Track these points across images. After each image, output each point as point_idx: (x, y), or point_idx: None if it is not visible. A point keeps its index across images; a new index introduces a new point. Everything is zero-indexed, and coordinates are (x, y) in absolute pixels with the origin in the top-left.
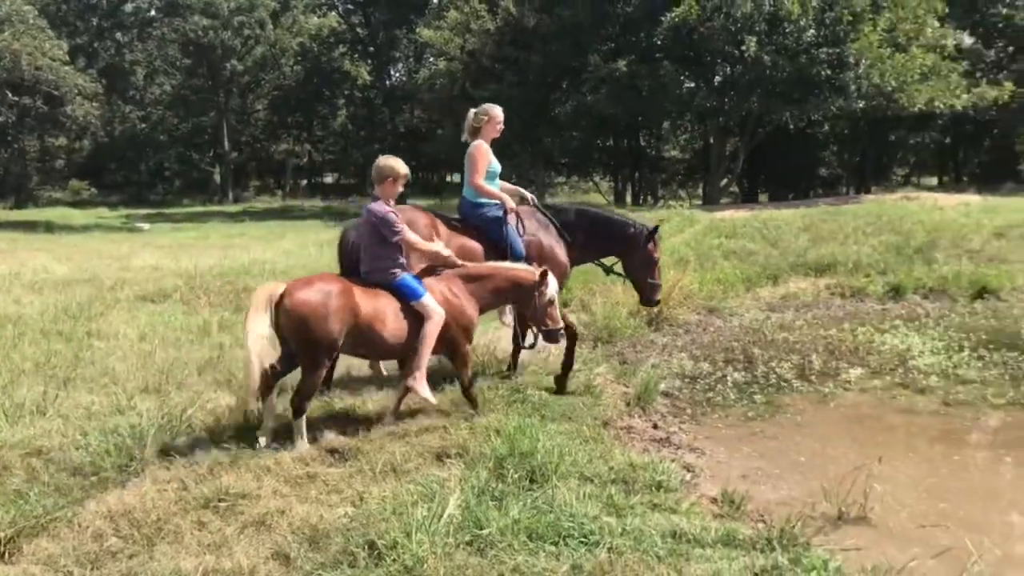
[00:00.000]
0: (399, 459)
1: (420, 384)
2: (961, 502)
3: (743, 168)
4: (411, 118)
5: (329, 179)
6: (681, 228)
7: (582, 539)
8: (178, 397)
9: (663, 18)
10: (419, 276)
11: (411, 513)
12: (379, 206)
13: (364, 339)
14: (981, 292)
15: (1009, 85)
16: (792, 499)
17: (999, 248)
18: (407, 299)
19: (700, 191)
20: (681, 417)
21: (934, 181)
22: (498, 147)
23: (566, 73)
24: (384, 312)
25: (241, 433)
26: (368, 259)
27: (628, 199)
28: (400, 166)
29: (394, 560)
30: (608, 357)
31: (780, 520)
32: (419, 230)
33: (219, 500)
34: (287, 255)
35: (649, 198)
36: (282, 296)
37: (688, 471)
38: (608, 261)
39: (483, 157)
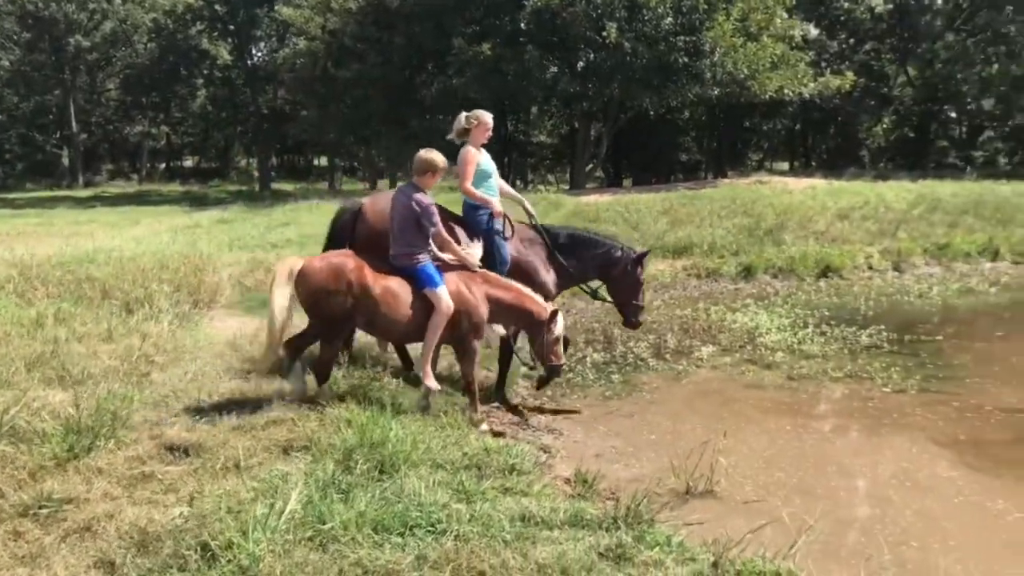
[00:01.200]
0: (242, 454)
1: (425, 373)
2: (799, 470)
3: (608, 153)
4: (274, 99)
5: (189, 162)
6: (547, 213)
7: (430, 528)
8: (1, 396)
9: (526, 2)
10: (441, 268)
11: (249, 511)
12: (424, 197)
13: (372, 317)
14: (825, 271)
15: (850, 75)
16: (643, 476)
17: (842, 229)
18: (422, 286)
19: (568, 176)
20: (540, 399)
21: (786, 166)
22: (363, 128)
23: (431, 55)
24: (395, 294)
25: (74, 431)
26: (398, 243)
27: None
28: (439, 160)
29: (229, 561)
30: None
31: (629, 498)
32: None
33: (40, 507)
34: (138, 242)
35: (519, 182)
36: (300, 271)
37: (545, 452)
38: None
39: (471, 162)
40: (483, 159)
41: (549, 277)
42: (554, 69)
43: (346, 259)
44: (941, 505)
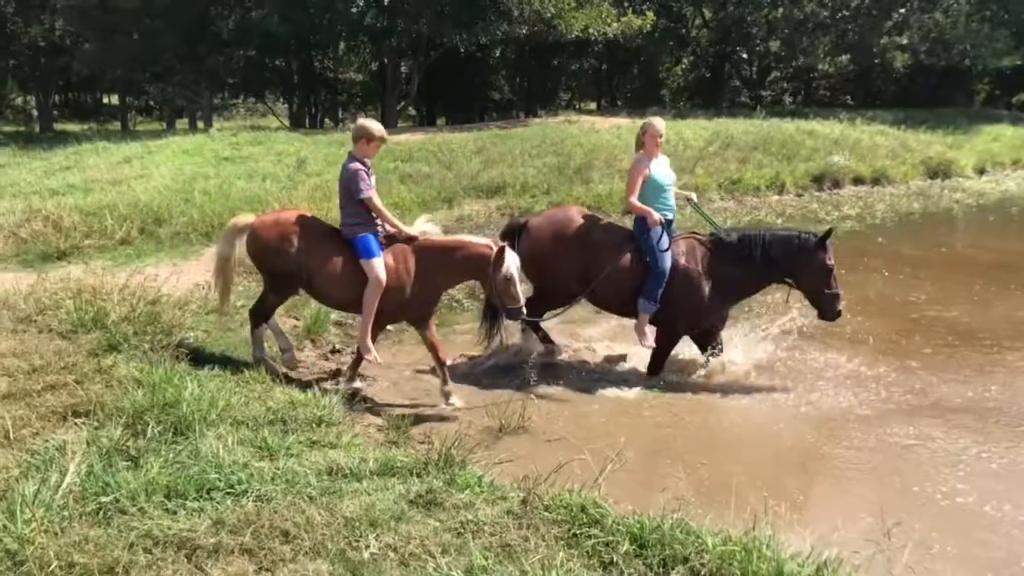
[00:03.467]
0: (11, 425)
1: (364, 346)
2: (604, 408)
3: (420, 91)
4: (51, 30)
5: None
6: None
7: (228, 490)
8: None
9: None
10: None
11: (17, 488)
12: (353, 164)
13: (311, 279)
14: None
15: (651, 15)
16: (458, 418)
17: None
18: (358, 256)
19: (379, 115)
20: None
21: (593, 105)
22: (154, 64)
23: None
24: (333, 261)
25: None
26: (342, 213)
27: (307, 123)
28: (372, 126)
29: None
30: None
31: (440, 441)
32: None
33: None
34: None
35: (328, 121)
36: (251, 228)
37: (358, 400)
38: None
39: (636, 173)
40: (656, 170)
41: (704, 287)
42: (360, 3)
43: (293, 219)
44: (724, 424)
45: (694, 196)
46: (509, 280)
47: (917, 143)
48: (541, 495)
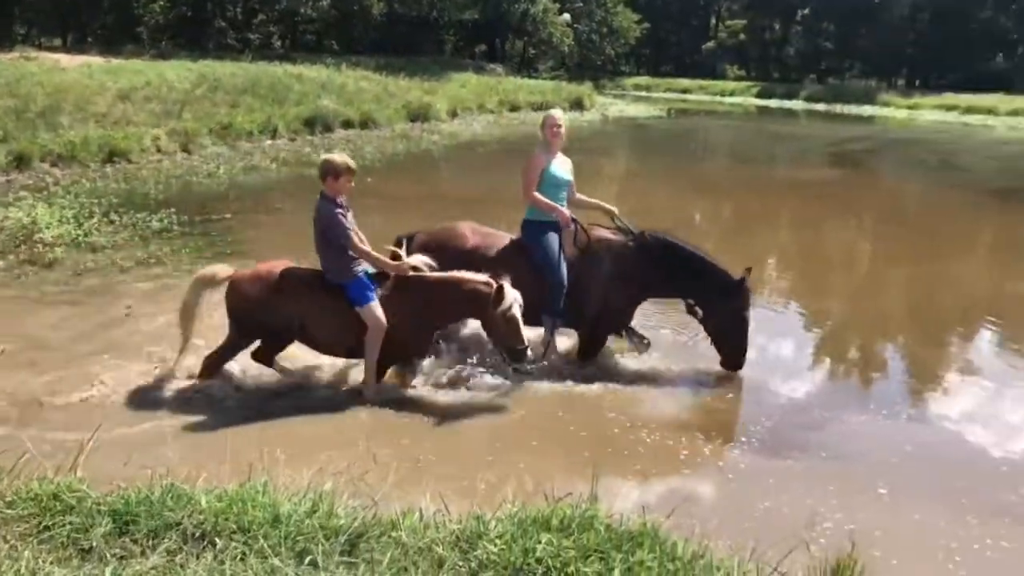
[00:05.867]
0: None
1: (370, 386)
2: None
3: None
4: None
5: None
6: None
7: None
8: None
9: None
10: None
11: None
12: (324, 205)
13: (302, 334)
14: (111, 156)
15: None
16: None
17: (124, 110)
18: (352, 304)
19: None
20: None
21: (58, 42)
22: None
23: None
24: (321, 312)
25: None
26: (322, 261)
27: None
28: (338, 160)
29: None
30: None
31: None
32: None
33: None
34: None
35: None
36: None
37: None
38: None
39: (534, 166)
40: (553, 165)
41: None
42: None
43: (273, 275)
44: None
45: (615, 209)
46: (510, 319)
47: (398, 89)
48: (1, 491)
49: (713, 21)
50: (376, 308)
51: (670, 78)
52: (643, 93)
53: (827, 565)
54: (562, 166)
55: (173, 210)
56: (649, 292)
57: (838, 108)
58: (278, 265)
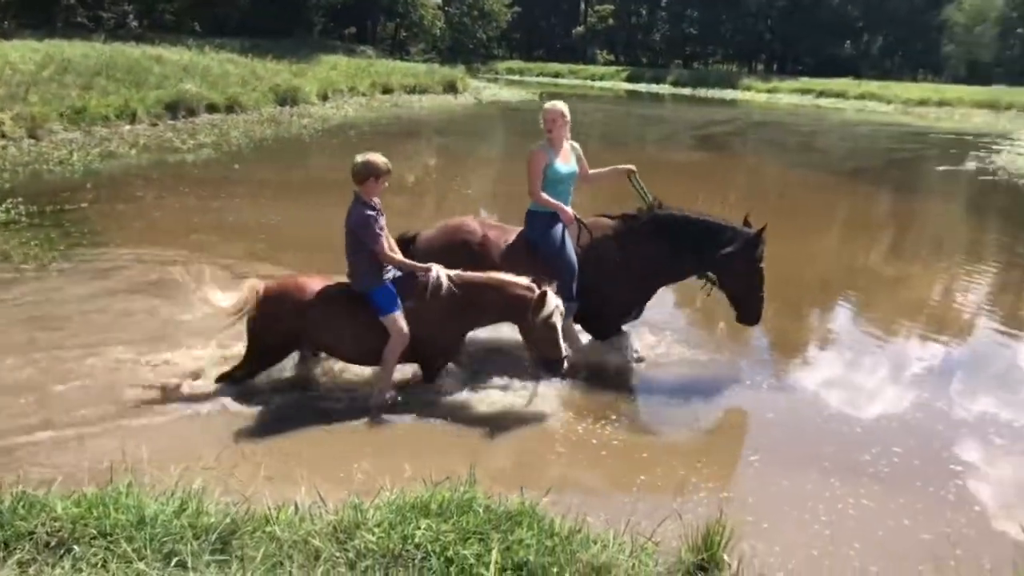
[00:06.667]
0: None
1: (379, 395)
2: None
3: None
4: None
5: None
6: None
7: None
8: None
9: None
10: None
11: None
12: (358, 208)
13: (323, 346)
14: None
15: None
16: None
17: None
18: (376, 312)
19: None
20: None
21: None
22: None
23: None
24: (342, 322)
25: None
26: (349, 265)
27: None
28: (380, 162)
29: None
30: None
31: None
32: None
33: None
34: None
35: None
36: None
37: None
38: None
39: (536, 163)
40: (556, 160)
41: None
42: None
43: (300, 283)
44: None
45: (633, 167)
46: (552, 327)
47: (265, 71)
48: None
49: (583, 6)
50: (400, 318)
51: (542, 62)
52: (516, 77)
53: (698, 532)
54: (565, 158)
55: (20, 199)
56: (663, 275)
57: (703, 92)
58: (299, 278)
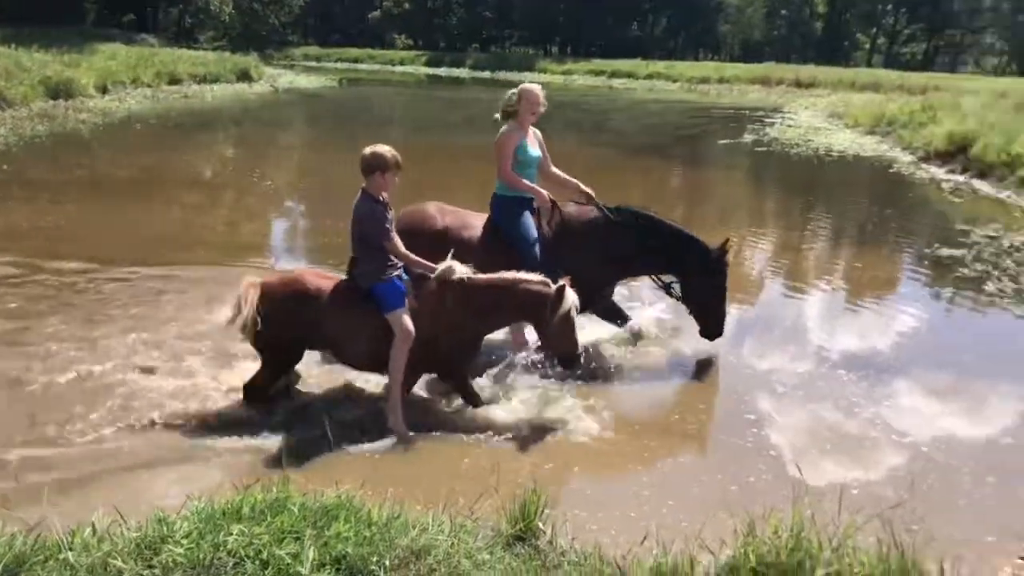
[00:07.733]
0: None
1: (392, 414)
2: None
3: None
4: None
5: None
6: None
7: None
8: None
9: None
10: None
11: None
12: (364, 203)
13: (329, 347)
14: None
15: None
16: None
17: None
18: (380, 309)
19: None
20: None
21: None
22: None
23: None
24: (348, 322)
25: None
26: (354, 259)
27: None
28: (388, 154)
29: None
30: None
31: None
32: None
33: None
34: None
35: None
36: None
37: None
38: None
39: (507, 144)
40: (526, 143)
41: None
42: None
43: (292, 286)
44: None
45: (591, 191)
46: (569, 322)
47: (32, 62)
48: None
49: None
50: (405, 316)
51: (339, 48)
52: (313, 63)
53: (515, 504)
54: (533, 142)
55: None
56: (630, 271)
57: (502, 75)
58: (303, 272)
